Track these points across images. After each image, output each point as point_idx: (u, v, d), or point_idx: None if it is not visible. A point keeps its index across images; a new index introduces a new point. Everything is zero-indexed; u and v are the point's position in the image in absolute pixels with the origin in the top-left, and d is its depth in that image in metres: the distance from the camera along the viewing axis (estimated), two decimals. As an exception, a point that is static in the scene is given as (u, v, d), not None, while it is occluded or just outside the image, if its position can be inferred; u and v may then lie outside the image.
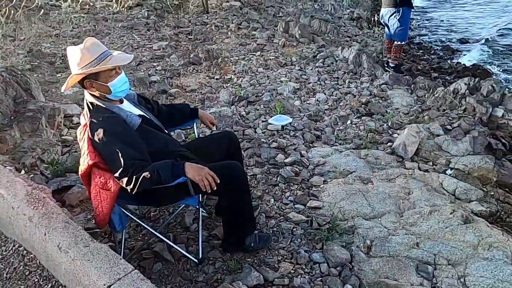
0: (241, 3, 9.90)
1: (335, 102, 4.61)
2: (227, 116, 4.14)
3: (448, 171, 3.35)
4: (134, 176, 1.87)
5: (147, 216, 2.82)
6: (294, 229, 2.63)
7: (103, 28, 7.40)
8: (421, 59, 6.90)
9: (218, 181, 1.95)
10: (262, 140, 3.76)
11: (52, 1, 8.96)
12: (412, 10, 5.57)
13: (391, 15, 5.34)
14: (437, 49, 7.63)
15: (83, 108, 2.15)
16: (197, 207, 2.44)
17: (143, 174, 1.86)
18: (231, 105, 4.53)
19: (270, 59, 6.01)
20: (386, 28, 5.69)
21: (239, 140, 3.74)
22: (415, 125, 3.89)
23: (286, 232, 2.60)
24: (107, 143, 1.91)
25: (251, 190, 3.03)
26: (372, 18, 8.53)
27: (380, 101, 4.63)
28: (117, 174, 1.90)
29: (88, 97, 2.04)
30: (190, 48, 6.52)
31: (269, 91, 4.83)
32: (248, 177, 3.23)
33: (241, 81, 5.22)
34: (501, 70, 6.45)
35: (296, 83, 5.11)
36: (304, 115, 4.27)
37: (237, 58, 6.16)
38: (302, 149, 3.61)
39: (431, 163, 3.47)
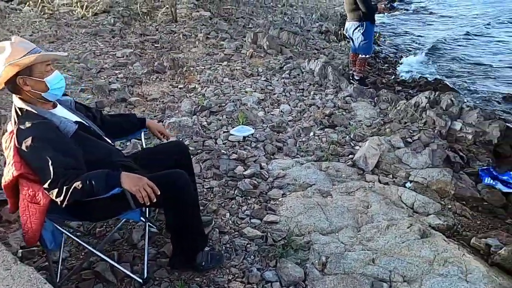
0: (211, 13, 9.84)
1: (299, 114, 4.54)
2: (187, 126, 3.99)
3: (408, 184, 3.32)
4: (65, 187, 1.69)
5: (92, 232, 2.62)
6: (248, 245, 2.50)
7: (65, 33, 7.12)
8: (386, 72, 7.01)
9: (158, 193, 1.80)
10: (222, 151, 3.63)
11: (12, 4, 8.59)
12: (375, 25, 5.64)
13: (355, 29, 5.39)
14: (402, 63, 7.78)
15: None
16: (141, 221, 2.27)
17: (74, 185, 1.69)
18: (192, 115, 4.38)
19: (236, 69, 5.93)
20: (351, 41, 5.73)
21: (199, 151, 3.62)
22: (377, 138, 3.86)
23: (240, 249, 2.47)
24: (36, 150, 1.72)
25: (206, 203, 2.89)
26: (340, 32, 8.65)
27: (344, 113, 4.61)
28: (46, 185, 1.71)
29: (17, 102, 1.85)
30: (155, 56, 6.35)
31: (233, 101, 4.72)
32: (205, 190, 3.09)
33: (205, 90, 5.09)
34: (458, 85, 6.61)
35: (261, 93, 5.03)
36: (267, 126, 4.18)
37: (203, 67, 6.04)
38: (262, 161, 3.50)
39: (391, 176, 3.44)
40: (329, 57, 7.36)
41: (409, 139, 3.87)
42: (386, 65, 7.55)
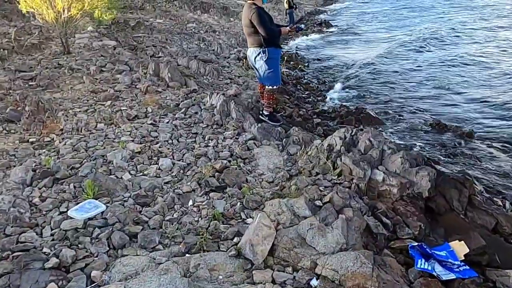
0: (118, 42, 8.55)
1: (181, 171, 3.35)
2: (0, 210, 2.63)
3: (314, 282, 2.21)
4: None
5: None
6: None
7: None
8: (305, 101, 6.08)
9: None
10: (44, 251, 2.32)
11: None
12: (281, 50, 4.64)
13: (256, 56, 4.36)
14: (324, 90, 6.93)
15: None
16: None
17: None
18: (26, 186, 3.04)
19: (120, 110, 4.65)
20: (256, 70, 4.70)
21: (5, 254, 2.28)
22: (277, 202, 2.76)
23: None
24: None
25: None
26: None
27: (242, 164, 3.48)
28: None
29: None
30: (18, 99, 4.91)
31: (94, 159, 3.43)
32: None
33: (64, 144, 3.75)
34: (382, 113, 5.83)
35: (139, 143, 3.79)
36: (130, 196, 2.93)
37: (79, 109, 4.70)
38: (98, 266, 2.22)
39: (290, 269, 2.31)
40: (243, 87, 6.33)
41: (318, 202, 2.80)
42: (307, 92, 6.65)
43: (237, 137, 4.01)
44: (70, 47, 7.55)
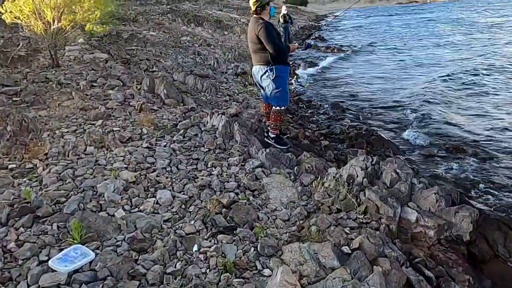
0: (110, 55, 8.11)
1: (183, 206, 2.89)
2: (-35, 261, 2.14)
3: None
4: None
5: None
6: None
7: None
8: (309, 121, 5.68)
9: None
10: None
11: None
12: (289, 66, 4.26)
13: (263, 74, 3.96)
14: (327, 107, 6.56)
15: None
16: None
17: None
18: (1, 225, 2.54)
19: (112, 131, 4.18)
20: (261, 89, 4.31)
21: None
22: (297, 247, 2.33)
23: None
24: None
25: None
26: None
27: (251, 197, 3.04)
28: None
29: None
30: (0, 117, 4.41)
31: (82, 191, 2.95)
32: None
33: (49, 171, 3.27)
34: (393, 134, 5.45)
35: (134, 171, 3.32)
36: (125, 239, 2.46)
37: (66, 130, 4.22)
38: None
39: None
40: (243, 105, 5.93)
41: (345, 248, 2.38)
42: (310, 111, 6.27)
43: (243, 163, 3.58)
44: (59, 60, 7.07)
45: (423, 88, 7.82)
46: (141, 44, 9.57)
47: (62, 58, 7.36)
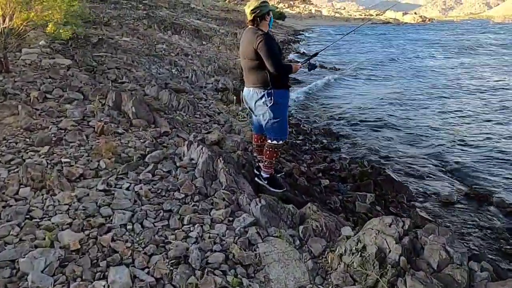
0: (74, 61, 7.00)
1: (146, 296, 1.94)
2: None
3: None
4: None
5: None
6: None
7: None
8: (302, 150, 4.85)
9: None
10: None
11: None
12: (289, 90, 3.37)
13: (258, 100, 3.08)
14: (318, 133, 5.76)
15: None
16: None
17: None
18: None
19: (60, 163, 3.17)
20: (253, 115, 3.42)
21: None
22: None
23: None
24: None
25: None
26: (241, 91, 6.49)
27: (245, 279, 2.13)
28: None
29: None
30: None
31: (-5, 270, 1.95)
32: None
33: (-47, 231, 2.23)
34: (403, 174, 4.65)
35: (81, 230, 2.33)
36: None
37: (-2, 160, 3.17)
38: None
39: None
40: (226, 129, 5.03)
41: None
42: (301, 137, 5.44)
43: (230, 218, 2.67)
44: (11, 65, 5.92)
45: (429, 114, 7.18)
46: (111, 50, 8.47)
47: (15, 62, 6.21)
